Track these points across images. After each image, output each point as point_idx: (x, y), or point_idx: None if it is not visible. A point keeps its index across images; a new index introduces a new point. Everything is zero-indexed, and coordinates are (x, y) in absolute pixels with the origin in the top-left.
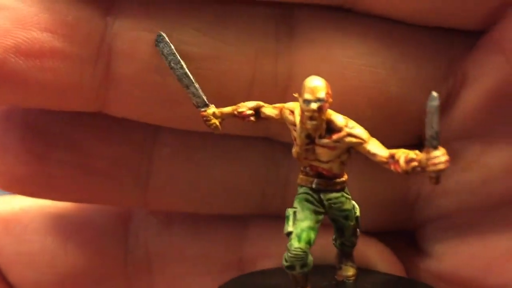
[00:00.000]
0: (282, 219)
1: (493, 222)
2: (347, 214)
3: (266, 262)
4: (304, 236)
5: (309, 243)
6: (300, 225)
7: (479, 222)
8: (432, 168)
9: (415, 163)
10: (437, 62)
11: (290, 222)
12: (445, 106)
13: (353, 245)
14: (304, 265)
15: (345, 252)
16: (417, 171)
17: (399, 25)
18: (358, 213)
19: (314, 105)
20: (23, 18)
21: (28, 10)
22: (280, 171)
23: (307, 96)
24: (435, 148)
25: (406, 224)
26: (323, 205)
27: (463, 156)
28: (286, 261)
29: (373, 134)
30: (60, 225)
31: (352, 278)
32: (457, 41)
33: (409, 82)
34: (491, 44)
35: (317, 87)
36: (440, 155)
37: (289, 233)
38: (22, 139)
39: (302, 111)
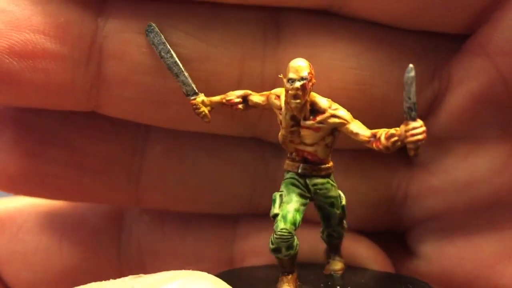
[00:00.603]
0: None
1: (481, 224)
2: (333, 201)
3: (255, 259)
4: (289, 217)
5: (294, 224)
6: (286, 207)
7: (467, 224)
8: (410, 139)
9: (395, 138)
10: (422, 65)
11: (276, 205)
12: (432, 107)
13: (340, 236)
14: (290, 247)
15: (333, 245)
16: (398, 146)
17: (385, 29)
18: (344, 202)
19: (297, 84)
20: (17, 21)
21: (21, 13)
22: (268, 170)
23: (291, 75)
24: (413, 119)
25: (396, 224)
26: (308, 190)
27: (450, 156)
28: (272, 243)
29: None
30: (55, 224)
31: (340, 272)
32: (442, 45)
33: (394, 85)
34: (476, 47)
35: (301, 67)
36: (418, 126)
37: (275, 215)
38: (15, 138)
39: (287, 91)
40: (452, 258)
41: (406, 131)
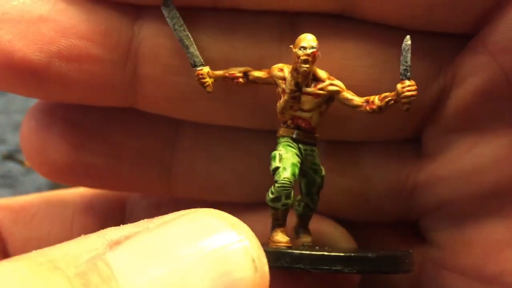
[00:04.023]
0: None
1: (488, 212)
2: (317, 169)
3: None
4: (290, 169)
5: (294, 175)
6: (286, 161)
7: (475, 212)
8: (406, 94)
9: (388, 98)
10: (428, 63)
11: (277, 160)
12: (438, 102)
13: (315, 208)
14: (288, 196)
15: (304, 218)
16: (390, 104)
17: (393, 30)
18: (324, 173)
19: (309, 50)
20: (65, 29)
21: (68, 22)
22: None
23: (304, 44)
24: (408, 79)
25: (407, 214)
26: (301, 153)
27: (456, 147)
28: (273, 193)
29: (369, 128)
30: (65, 213)
31: (310, 243)
32: (447, 44)
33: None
34: (479, 46)
35: (311, 38)
36: (412, 84)
37: (276, 168)
38: (62, 133)
39: (298, 58)
40: (462, 244)
41: (403, 87)
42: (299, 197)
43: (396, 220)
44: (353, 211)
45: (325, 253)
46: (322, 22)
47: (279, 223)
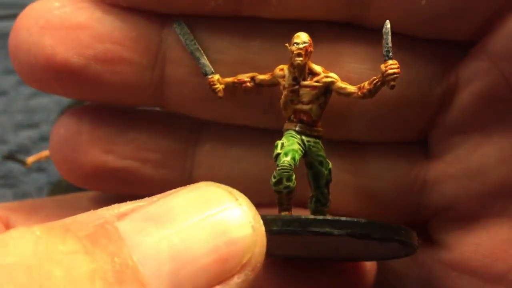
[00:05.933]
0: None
1: (495, 212)
2: (322, 160)
3: None
4: (290, 154)
5: (294, 159)
6: (287, 147)
7: (482, 212)
8: (389, 71)
9: (376, 80)
10: (432, 68)
11: (279, 147)
12: (442, 104)
13: (326, 202)
14: (289, 179)
15: (318, 214)
16: (378, 86)
17: (399, 37)
18: (330, 166)
19: (301, 45)
20: (100, 35)
21: (104, 29)
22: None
23: (296, 40)
24: (391, 59)
25: (417, 214)
26: (304, 145)
27: (462, 147)
28: (275, 177)
29: (376, 129)
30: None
31: None
32: (451, 51)
33: (405, 84)
34: (481, 53)
35: (304, 35)
36: (394, 63)
37: (277, 155)
38: (90, 138)
39: (292, 52)
40: (470, 244)
41: (386, 66)
42: (311, 194)
43: (406, 222)
44: (364, 211)
45: (316, 217)
46: (333, 30)
47: (283, 207)
